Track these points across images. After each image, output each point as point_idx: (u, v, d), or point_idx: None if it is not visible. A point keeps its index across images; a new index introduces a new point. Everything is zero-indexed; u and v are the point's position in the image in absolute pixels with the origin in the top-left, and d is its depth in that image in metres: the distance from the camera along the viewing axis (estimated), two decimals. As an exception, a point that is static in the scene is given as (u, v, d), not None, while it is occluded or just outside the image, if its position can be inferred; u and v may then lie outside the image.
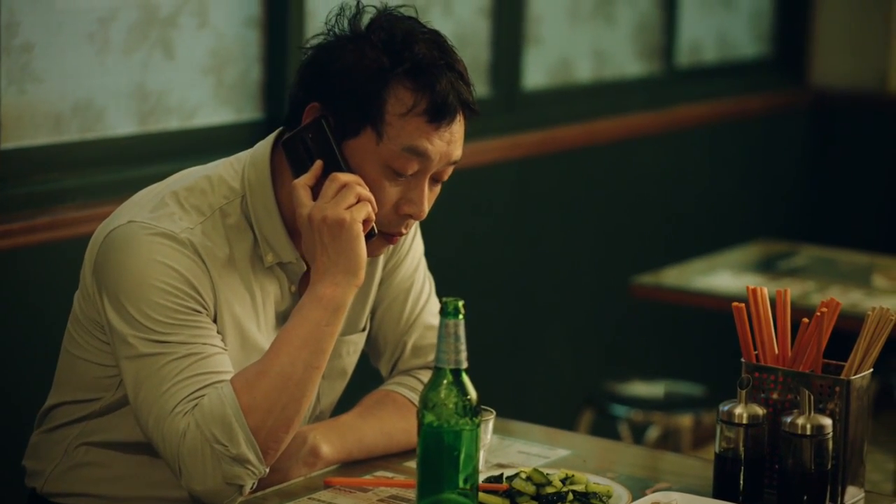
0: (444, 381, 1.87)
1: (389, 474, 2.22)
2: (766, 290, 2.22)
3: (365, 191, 2.11)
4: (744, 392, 2.14)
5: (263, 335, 2.19)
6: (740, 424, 2.13)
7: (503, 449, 2.36)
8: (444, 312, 1.87)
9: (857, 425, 2.17)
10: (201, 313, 2.10)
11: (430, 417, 1.88)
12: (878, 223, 5.50)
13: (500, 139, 4.13)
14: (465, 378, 1.88)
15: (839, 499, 2.15)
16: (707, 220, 5.13)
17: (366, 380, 2.43)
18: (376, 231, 2.15)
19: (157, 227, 2.10)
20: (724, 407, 2.15)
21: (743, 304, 2.21)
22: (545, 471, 2.13)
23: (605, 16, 4.63)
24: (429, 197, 2.17)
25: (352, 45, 2.13)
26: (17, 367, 2.86)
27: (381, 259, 2.34)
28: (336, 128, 2.13)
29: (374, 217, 2.12)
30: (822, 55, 5.58)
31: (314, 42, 2.17)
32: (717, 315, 3.14)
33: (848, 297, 3.64)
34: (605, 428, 3.97)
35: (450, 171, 2.18)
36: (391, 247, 2.28)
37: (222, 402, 2.04)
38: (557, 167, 4.39)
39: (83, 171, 3.03)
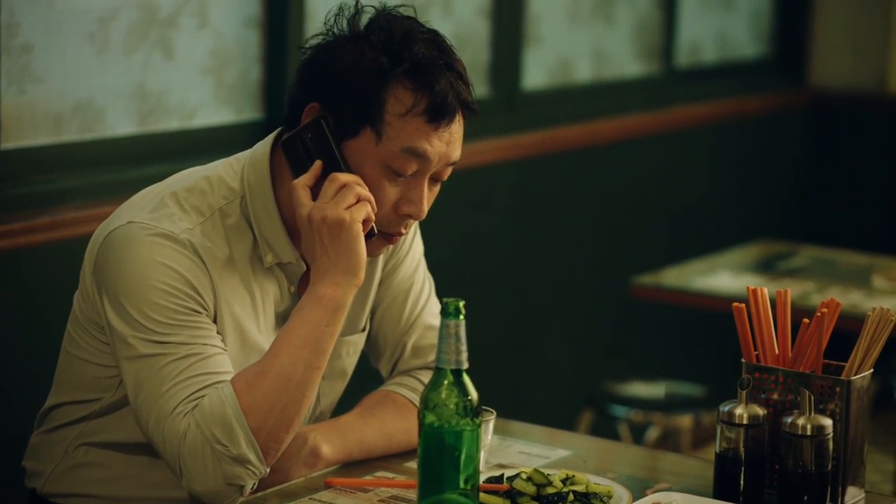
0: (445, 382, 1.87)
1: (390, 475, 2.22)
2: (766, 291, 2.22)
3: (364, 191, 2.11)
4: (744, 392, 2.14)
5: (263, 335, 2.19)
6: (741, 425, 2.13)
7: (504, 449, 2.35)
8: (444, 313, 1.87)
9: (858, 426, 2.17)
10: (201, 314, 2.10)
11: (430, 418, 1.87)
12: (877, 223, 5.49)
13: (499, 139, 4.12)
14: (466, 378, 1.88)
15: (839, 499, 2.15)
16: (707, 220, 5.13)
17: (366, 380, 2.43)
18: (376, 231, 2.14)
19: (157, 228, 2.10)
20: (725, 407, 2.15)
21: (743, 305, 2.21)
22: (546, 471, 2.13)
23: (605, 16, 4.63)
24: (428, 197, 2.17)
25: (351, 45, 2.13)
26: (17, 368, 2.86)
27: (381, 259, 2.34)
28: (335, 128, 2.13)
29: (373, 217, 2.12)
30: (821, 55, 5.58)
31: (313, 42, 2.17)
32: (717, 315, 3.14)
33: (848, 298, 3.64)
34: (604, 428, 3.96)
35: (449, 171, 2.18)
36: (391, 247, 2.28)
37: (223, 402, 2.04)
38: (557, 167, 4.39)
39: (83, 171, 3.03)
